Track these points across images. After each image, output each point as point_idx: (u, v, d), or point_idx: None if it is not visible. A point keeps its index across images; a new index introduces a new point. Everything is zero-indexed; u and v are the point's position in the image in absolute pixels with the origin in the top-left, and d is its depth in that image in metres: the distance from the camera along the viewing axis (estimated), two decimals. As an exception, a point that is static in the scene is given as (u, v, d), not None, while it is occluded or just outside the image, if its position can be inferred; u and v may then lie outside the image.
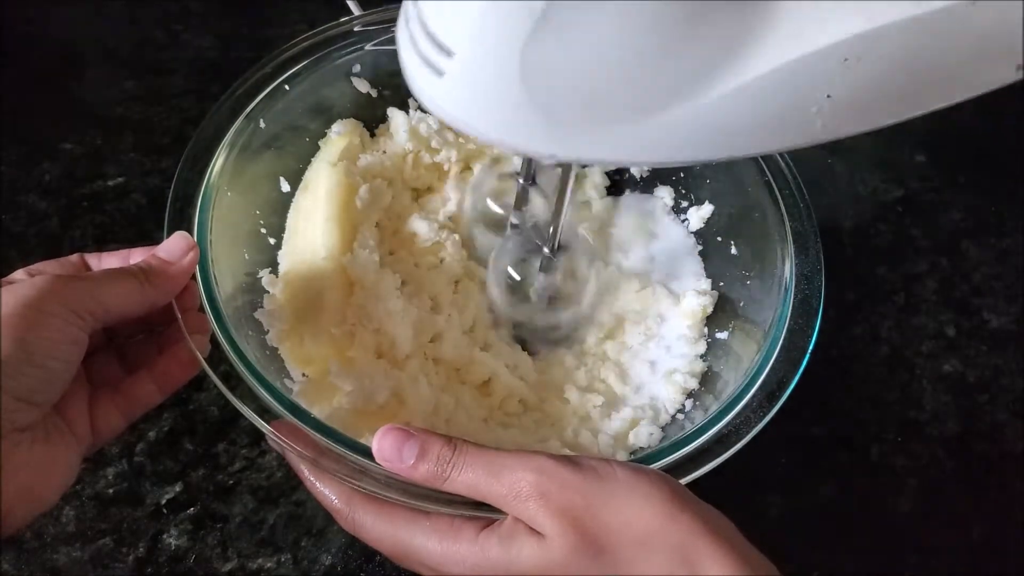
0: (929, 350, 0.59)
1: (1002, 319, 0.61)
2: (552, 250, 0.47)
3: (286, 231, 0.52)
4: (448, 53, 0.29)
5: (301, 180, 0.53)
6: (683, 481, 0.38)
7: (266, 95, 0.49)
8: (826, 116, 0.31)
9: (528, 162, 0.47)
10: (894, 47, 0.29)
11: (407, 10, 0.31)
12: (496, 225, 0.53)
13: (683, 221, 0.57)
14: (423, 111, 0.56)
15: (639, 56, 0.29)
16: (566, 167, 0.42)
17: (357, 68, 0.54)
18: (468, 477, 0.34)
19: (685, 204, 0.57)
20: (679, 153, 0.32)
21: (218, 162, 0.46)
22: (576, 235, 0.52)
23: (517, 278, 0.50)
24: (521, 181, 0.48)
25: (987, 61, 0.31)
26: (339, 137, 0.54)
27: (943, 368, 0.58)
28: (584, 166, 0.57)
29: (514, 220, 0.50)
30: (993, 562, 0.50)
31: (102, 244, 0.58)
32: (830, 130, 0.31)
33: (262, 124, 0.49)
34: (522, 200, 0.49)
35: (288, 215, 0.52)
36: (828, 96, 0.30)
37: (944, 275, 0.63)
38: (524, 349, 0.53)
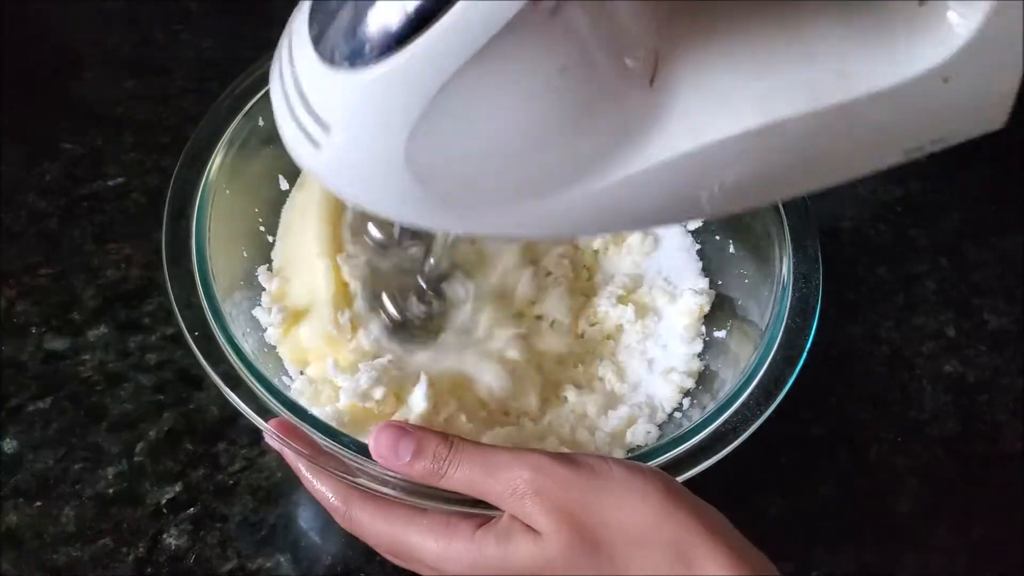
0: (929, 350, 0.59)
1: (1002, 319, 0.61)
2: (427, 282, 0.46)
3: (280, 227, 0.52)
4: (326, 128, 0.27)
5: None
6: (680, 479, 0.38)
7: (265, 92, 0.49)
8: (715, 199, 0.31)
9: None
10: (787, 139, 0.29)
11: (282, 67, 0.29)
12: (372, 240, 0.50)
13: (682, 220, 0.57)
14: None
15: (532, 143, 0.28)
16: None
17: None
18: (464, 474, 0.34)
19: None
20: (567, 231, 0.32)
21: (216, 160, 0.46)
22: (454, 262, 0.49)
23: (395, 314, 0.48)
24: None
25: (877, 148, 0.32)
26: None
27: (943, 368, 0.58)
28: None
29: (395, 233, 0.48)
30: (993, 562, 0.50)
31: (102, 243, 0.59)
32: (716, 210, 0.32)
33: (261, 122, 0.49)
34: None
35: (283, 211, 0.52)
36: (719, 184, 0.30)
37: (944, 275, 0.63)
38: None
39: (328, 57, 0.26)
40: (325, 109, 0.27)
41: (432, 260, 0.45)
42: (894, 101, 0.29)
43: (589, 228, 0.32)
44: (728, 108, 0.29)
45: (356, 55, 0.25)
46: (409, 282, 0.47)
